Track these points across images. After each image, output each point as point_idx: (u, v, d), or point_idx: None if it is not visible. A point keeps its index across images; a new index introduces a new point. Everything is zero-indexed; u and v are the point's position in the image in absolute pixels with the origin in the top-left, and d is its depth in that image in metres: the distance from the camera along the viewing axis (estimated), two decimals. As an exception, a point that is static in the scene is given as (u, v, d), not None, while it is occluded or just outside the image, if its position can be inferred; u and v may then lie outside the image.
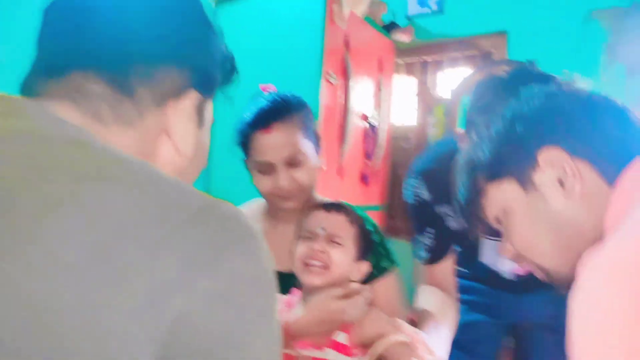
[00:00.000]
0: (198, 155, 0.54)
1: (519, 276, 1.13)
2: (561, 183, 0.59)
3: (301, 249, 0.89)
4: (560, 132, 0.60)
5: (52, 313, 0.33)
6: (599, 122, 0.60)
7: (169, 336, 0.34)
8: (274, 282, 0.41)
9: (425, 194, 1.09)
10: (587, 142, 0.60)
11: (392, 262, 1.02)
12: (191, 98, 0.50)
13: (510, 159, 0.63)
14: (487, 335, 1.24)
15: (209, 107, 0.55)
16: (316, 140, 1.01)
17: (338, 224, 0.90)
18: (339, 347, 0.85)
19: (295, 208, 0.99)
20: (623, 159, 0.57)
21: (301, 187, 0.96)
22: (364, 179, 2.33)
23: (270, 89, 1.04)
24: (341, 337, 0.86)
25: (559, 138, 0.60)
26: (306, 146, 0.96)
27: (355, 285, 0.87)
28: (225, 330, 0.36)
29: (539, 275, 0.67)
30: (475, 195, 0.68)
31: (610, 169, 0.58)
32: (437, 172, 1.07)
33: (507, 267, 1.12)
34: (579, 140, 0.60)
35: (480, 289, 1.23)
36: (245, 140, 0.97)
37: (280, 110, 0.95)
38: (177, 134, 0.50)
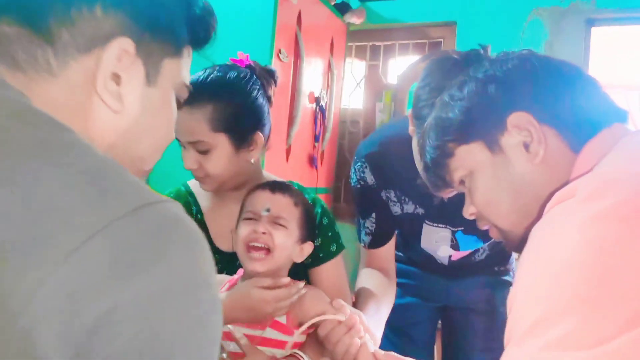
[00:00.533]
0: (148, 119, 0.48)
1: (452, 262, 1.18)
2: (526, 147, 0.61)
3: (244, 230, 0.86)
4: (530, 98, 0.62)
5: None
6: (568, 90, 0.62)
7: (87, 337, 0.31)
8: (213, 289, 0.38)
9: (369, 179, 1.09)
10: (555, 109, 0.61)
11: (339, 245, 1.02)
12: (123, 47, 0.44)
13: (481, 121, 0.64)
14: (420, 318, 1.28)
15: (171, 69, 0.49)
16: (242, 135, 0.93)
17: (283, 205, 0.88)
18: (279, 327, 0.85)
19: (217, 190, 0.96)
20: (589, 129, 0.59)
21: (209, 174, 0.92)
22: (312, 161, 2.33)
23: (241, 61, 0.97)
24: (281, 317, 0.86)
25: (528, 103, 0.61)
26: (216, 137, 0.89)
27: (286, 280, 0.85)
28: (151, 337, 0.33)
29: (495, 234, 0.69)
30: (442, 157, 0.68)
31: (576, 137, 0.60)
32: (382, 156, 1.08)
33: (443, 254, 1.16)
34: (547, 107, 0.61)
35: (416, 272, 1.27)
36: None
37: (201, 92, 0.87)
38: (105, 87, 0.44)
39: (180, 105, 0.53)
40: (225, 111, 0.90)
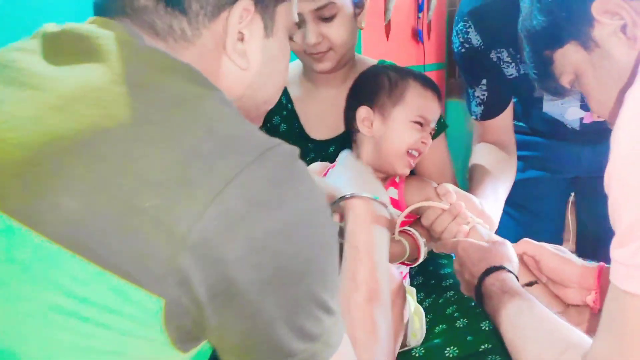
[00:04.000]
0: (269, 67, 0.52)
1: (584, 125, 1.01)
2: (624, 31, 0.55)
3: (412, 135, 0.81)
4: None
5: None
6: None
7: (232, 267, 0.36)
8: (328, 212, 0.43)
9: (475, 39, 0.94)
10: None
11: (440, 125, 0.94)
12: (245, 7, 0.48)
13: (566, 20, 0.60)
14: (548, 192, 1.15)
15: (284, 13, 0.52)
16: None
17: (438, 111, 0.85)
18: (391, 201, 0.82)
19: (330, 70, 0.90)
20: None
21: (333, 45, 0.86)
22: (416, 35, 2.12)
23: None
24: (392, 192, 0.84)
25: None
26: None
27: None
28: (287, 260, 0.38)
29: None
30: (544, 67, 0.65)
31: None
32: (488, 10, 0.91)
33: (572, 117, 0.99)
34: None
35: (541, 143, 1.12)
36: None
37: None
38: (234, 48, 0.48)
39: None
40: None
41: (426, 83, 0.84)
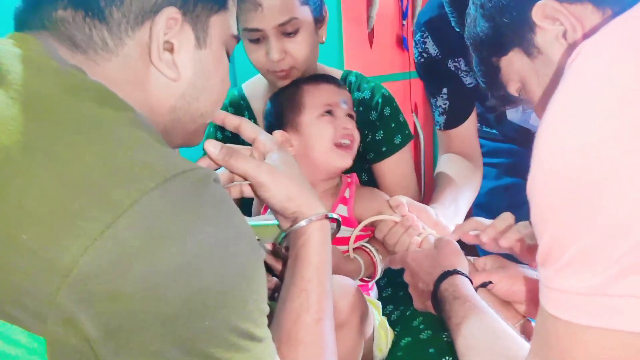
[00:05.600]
0: (203, 79, 0.50)
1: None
2: (565, 37, 0.54)
3: (329, 128, 0.81)
4: None
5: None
6: None
7: (125, 305, 0.35)
8: (245, 239, 0.41)
9: (432, 49, 0.95)
10: None
11: (405, 136, 0.94)
12: (171, 16, 0.46)
13: (508, 27, 0.59)
14: (523, 199, 1.13)
15: (220, 25, 0.51)
16: (318, 5, 0.88)
17: (350, 100, 0.85)
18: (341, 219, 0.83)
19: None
20: None
21: (296, 63, 0.86)
22: (401, 42, 2.12)
23: None
24: (341, 210, 0.84)
25: None
26: (304, 12, 0.84)
27: None
28: (193, 295, 0.36)
29: None
30: (491, 75, 0.65)
31: (619, 5, 0.50)
32: (444, 19, 0.91)
33: (537, 122, 0.98)
34: None
35: (513, 149, 1.12)
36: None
37: None
38: (160, 57, 0.46)
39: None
40: None
41: (316, 78, 0.85)
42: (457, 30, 0.81)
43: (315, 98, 0.82)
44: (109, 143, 0.37)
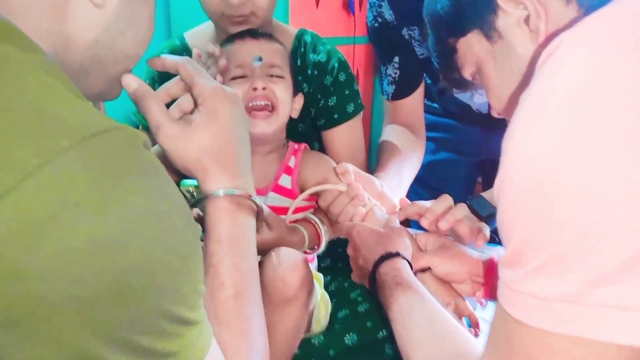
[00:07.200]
0: (130, 11, 0.45)
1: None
2: (527, 23, 0.52)
3: (237, 91, 0.74)
4: None
5: None
6: None
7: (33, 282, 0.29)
8: (176, 212, 0.36)
9: (388, 13, 0.91)
10: None
11: (357, 105, 0.91)
12: None
13: (470, 6, 0.57)
14: (458, 174, 1.17)
15: None
16: None
17: (273, 52, 0.77)
18: (283, 191, 0.80)
19: None
20: None
21: (256, 9, 0.78)
22: (347, 6, 2.06)
23: None
24: (285, 181, 0.81)
25: None
26: None
27: None
28: (111, 281, 0.31)
29: None
30: (446, 55, 0.63)
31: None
32: None
33: (480, 100, 1.00)
34: None
35: (452, 125, 1.13)
36: None
37: None
38: None
39: None
40: None
41: (242, 34, 0.78)
42: None
43: (231, 59, 0.75)
44: (12, 90, 0.31)
